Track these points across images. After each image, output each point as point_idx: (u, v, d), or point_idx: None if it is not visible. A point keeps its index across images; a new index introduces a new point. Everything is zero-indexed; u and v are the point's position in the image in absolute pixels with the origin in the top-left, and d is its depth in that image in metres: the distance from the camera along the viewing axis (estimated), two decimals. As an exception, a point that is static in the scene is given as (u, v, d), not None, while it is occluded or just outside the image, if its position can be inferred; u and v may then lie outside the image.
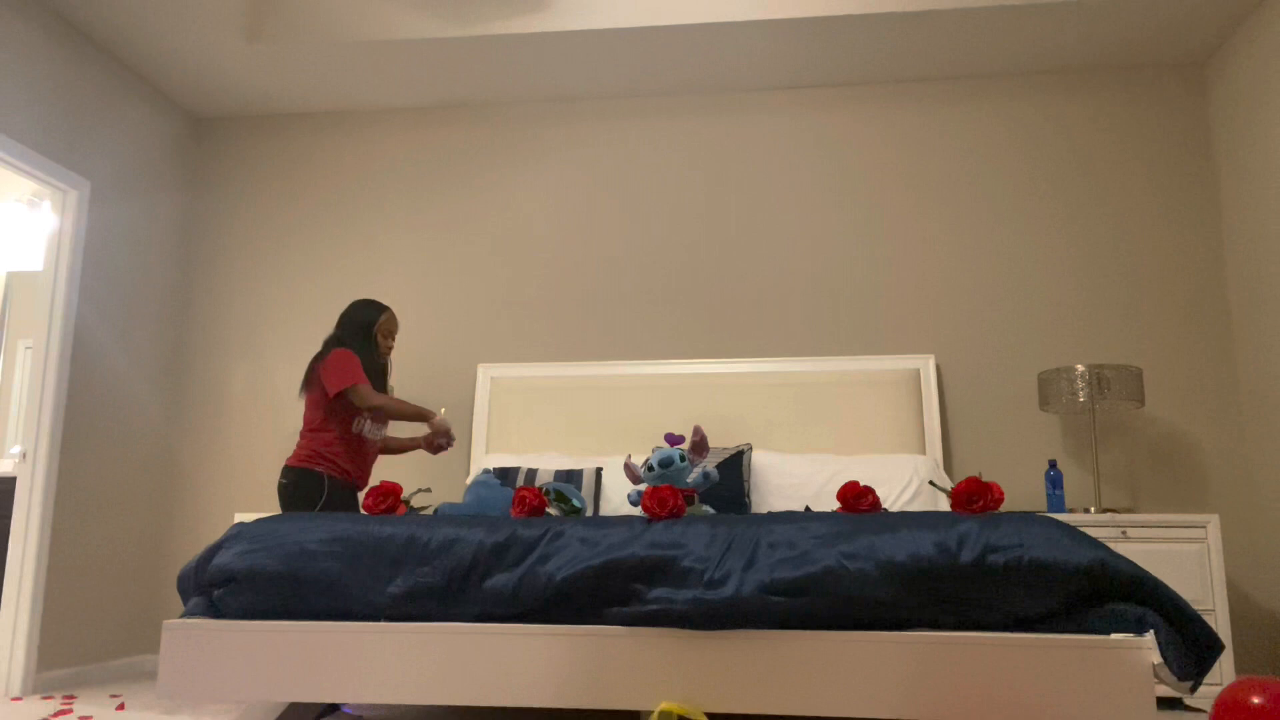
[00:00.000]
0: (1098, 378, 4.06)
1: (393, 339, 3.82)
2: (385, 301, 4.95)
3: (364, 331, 3.71)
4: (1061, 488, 4.11)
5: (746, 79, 4.85)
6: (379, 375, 3.73)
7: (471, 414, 4.80)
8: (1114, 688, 2.09)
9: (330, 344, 3.67)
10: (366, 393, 3.53)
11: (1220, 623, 3.69)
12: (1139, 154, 4.66)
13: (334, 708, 3.23)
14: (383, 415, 3.64)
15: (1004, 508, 4.45)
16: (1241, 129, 4.36)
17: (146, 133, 4.90)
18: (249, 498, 4.89)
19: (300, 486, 3.51)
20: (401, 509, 2.79)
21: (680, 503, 2.52)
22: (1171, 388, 4.44)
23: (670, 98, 5.02)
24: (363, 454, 3.68)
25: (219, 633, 2.40)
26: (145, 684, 4.34)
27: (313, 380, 3.62)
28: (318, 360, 3.62)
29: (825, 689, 2.19)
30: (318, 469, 3.53)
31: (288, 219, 5.15)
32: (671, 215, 4.90)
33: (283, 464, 4.02)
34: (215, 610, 2.51)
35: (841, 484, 3.59)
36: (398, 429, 4.75)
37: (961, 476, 4.49)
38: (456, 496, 4.71)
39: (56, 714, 3.52)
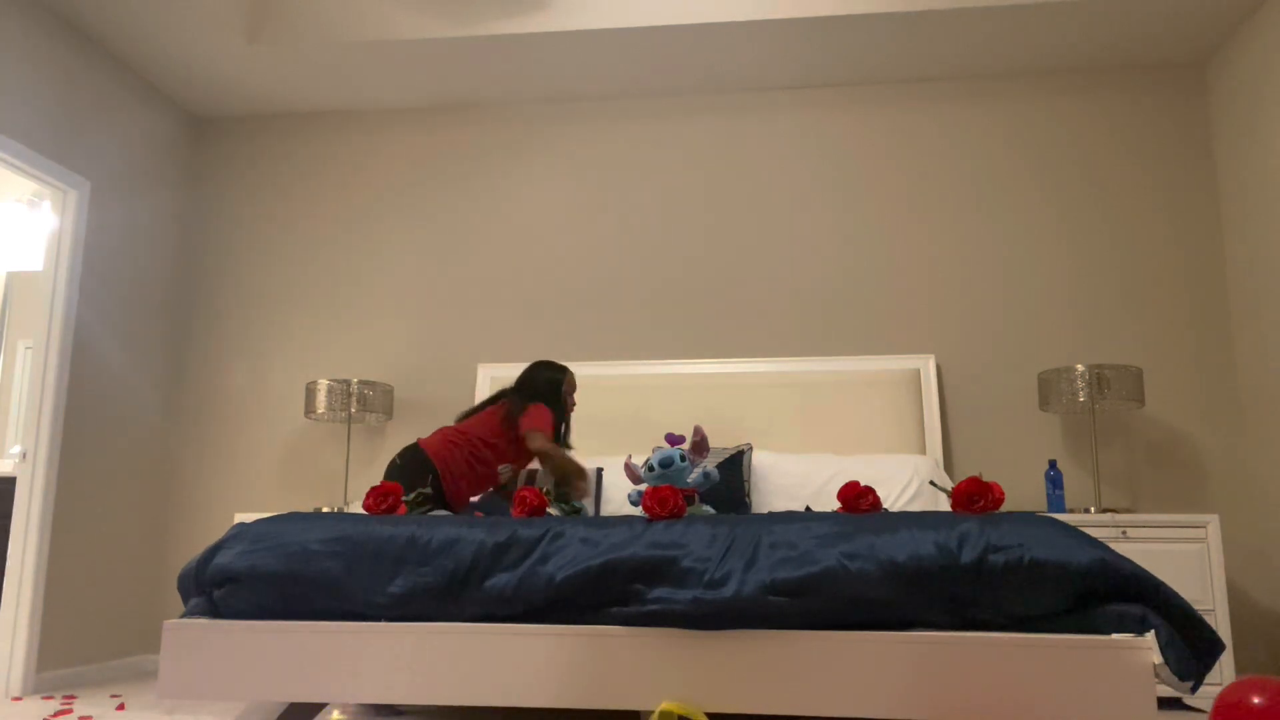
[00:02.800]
0: (1098, 378, 4.06)
1: (572, 398, 4.03)
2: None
3: (554, 391, 3.90)
4: (1061, 488, 4.11)
5: (746, 79, 4.85)
6: (564, 431, 3.96)
7: (471, 414, 4.80)
8: (1114, 688, 2.09)
9: (521, 399, 3.84)
10: (545, 439, 3.72)
11: (1220, 623, 3.69)
12: (1139, 154, 4.66)
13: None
14: (548, 462, 3.75)
15: (1004, 508, 4.44)
16: (1241, 129, 4.36)
17: (146, 133, 4.90)
18: (249, 498, 4.89)
19: (409, 468, 3.63)
20: (402, 509, 2.79)
21: (680, 503, 2.52)
22: (1171, 388, 4.44)
23: (670, 98, 5.02)
24: (475, 481, 3.74)
25: (219, 633, 2.39)
26: (145, 684, 4.34)
27: (509, 417, 3.78)
28: (515, 405, 3.80)
29: (825, 689, 2.19)
30: (436, 465, 3.63)
31: (287, 219, 5.15)
32: (671, 215, 4.90)
33: (410, 444, 4.13)
34: (215, 610, 2.51)
35: (841, 484, 3.59)
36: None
37: (961, 476, 4.49)
38: (456, 496, 4.71)
39: (56, 714, 3.52)
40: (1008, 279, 4.64)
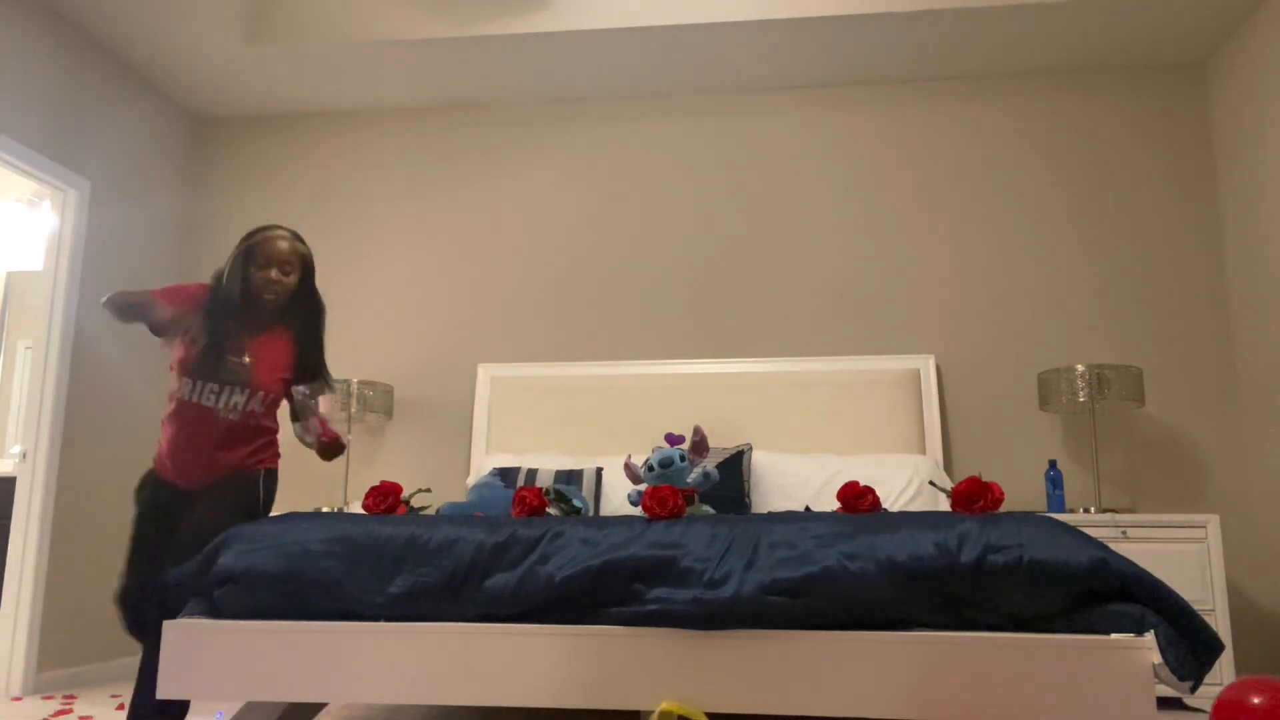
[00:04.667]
0: (1098, 378, 4.06)
1: (273, 269, 2.74)
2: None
3: (236, 257, 2.76)
4: (1061, 488, 4.11)
5: (747, 79, 4.85)
6: (233, 310, 2.75)
7: (471, 414, 4.80)
8: (1114, 688, 2.09)
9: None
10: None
11: (1220, 623, 3.69)
12: (1139, 154, 4.66)
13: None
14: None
15: (1004, 508, 4.44)
16: (1241, 129, 4.36)
17: (146, 133, 4.90)
18: (249, 498, 4.88)
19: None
20: (401, 509, 2.79)
21: (680, 503, 2.52)
22: (1171, 388, 4.44)
23: (670, 98, 5.02)
24: (185, 434, 2.76)
25: (219, 633, 2.39)
26: (145, 684, 4.34)
27: None
28: None
29: (825, 689, 2.19)
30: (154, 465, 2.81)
31: (287, 219, 5.15)
32: (671, 215, 4.90)
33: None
34: (215, 610, 2.51)
35: (841, 484, 3.58)
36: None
37: (961, 476, 4.49)
38: (457, 496, 4.71)
39: (56, 714, 3.52)
40: (1008, 279, 4.64)
